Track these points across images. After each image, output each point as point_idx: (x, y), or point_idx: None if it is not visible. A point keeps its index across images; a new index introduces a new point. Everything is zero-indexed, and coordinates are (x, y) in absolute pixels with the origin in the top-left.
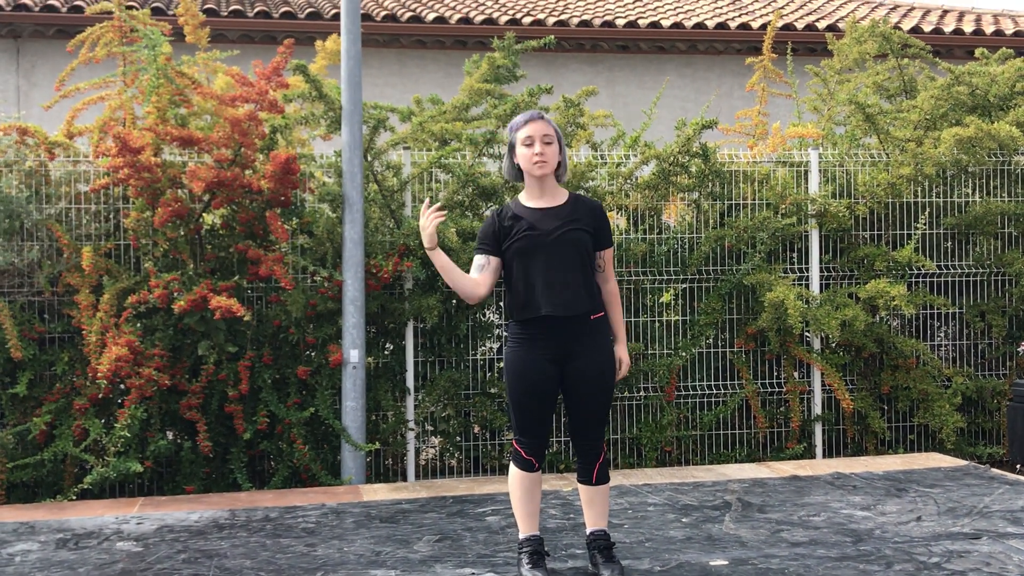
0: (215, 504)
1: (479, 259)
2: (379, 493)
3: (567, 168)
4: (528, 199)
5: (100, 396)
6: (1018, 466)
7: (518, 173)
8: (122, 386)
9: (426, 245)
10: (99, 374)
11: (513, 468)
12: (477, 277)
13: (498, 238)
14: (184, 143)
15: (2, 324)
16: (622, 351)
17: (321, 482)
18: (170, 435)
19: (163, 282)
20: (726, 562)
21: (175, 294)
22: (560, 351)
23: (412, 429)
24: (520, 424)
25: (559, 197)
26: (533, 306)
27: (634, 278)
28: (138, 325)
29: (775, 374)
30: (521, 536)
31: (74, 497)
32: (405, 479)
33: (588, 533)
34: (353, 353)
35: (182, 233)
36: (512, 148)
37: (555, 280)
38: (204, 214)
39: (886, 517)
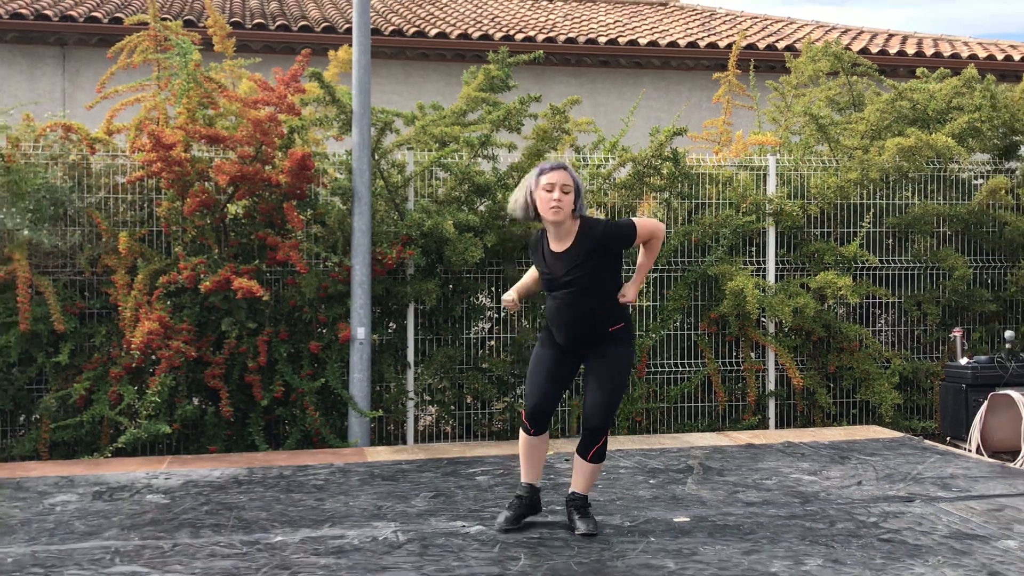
0: (235, 462)
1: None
2: (381, 455)
3: (582, 210)
4: (548, 238)
5: (133, 365)
6: (948, 438)
7: (532, 213)
8: (153, 357)
9: (509, 300)
10: (133, 346)
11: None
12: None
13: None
14: (211, 141)
15: (47, 300)
16: (630, 288)
17: (330, 444)
18: (196, 401)
19: (191, 265)
20: (688, 518)
21: (201, 276)
22: (577, 354)
23: (412, 399)
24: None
25: (570, 238)
26: (554, 326)
27: None
28: (168, 303)
29: (734, 354)
30: (521, 481)
31: (109, 455)
32: (405, 443)
33: (569, 492)
34: (360, 330)
35: (208, 221)
36: (532, 189)
37: (567, 317)
38: (228, 204)
39: (830, 481)
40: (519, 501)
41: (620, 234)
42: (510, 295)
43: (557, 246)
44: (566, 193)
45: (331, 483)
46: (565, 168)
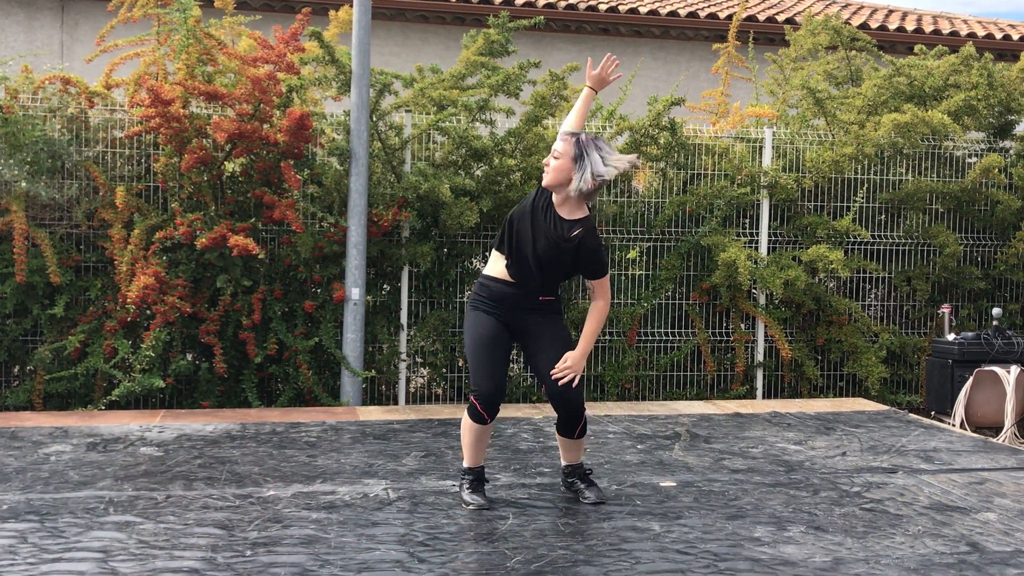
0: (228, 418)
1: None
2: (373, 414)
3: (584, 191)
4: (554, 200)
5: (128, 319)
6: (933, 413)
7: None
8: (148, 311)
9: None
10: (128, 300)
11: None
12: None
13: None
14: (210, 97)
15: (43, 252)
16: (576, 355)
17: (322, 403)
18: (190, 356)
19: (187, 221)
20: (674, 483)
21: (198, 232)
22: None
23: (404, 360)
24: None
25: (569, 213)
26: (497, 287)
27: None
28: (164, 258)
29: (724, 324)
30: (465, 465)
31: (103, 407)
32: (396, 403)
33: (565, 466)
34: (354, 291)
35: (205, 178)
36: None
37: (516, 283)
38: (226, 162)
39: (815, 451)
40: (477, 483)
41: (591, 249)
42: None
43: (561, 211)
44: (555, 158)
45: (323, 440)
46: (569, 138)
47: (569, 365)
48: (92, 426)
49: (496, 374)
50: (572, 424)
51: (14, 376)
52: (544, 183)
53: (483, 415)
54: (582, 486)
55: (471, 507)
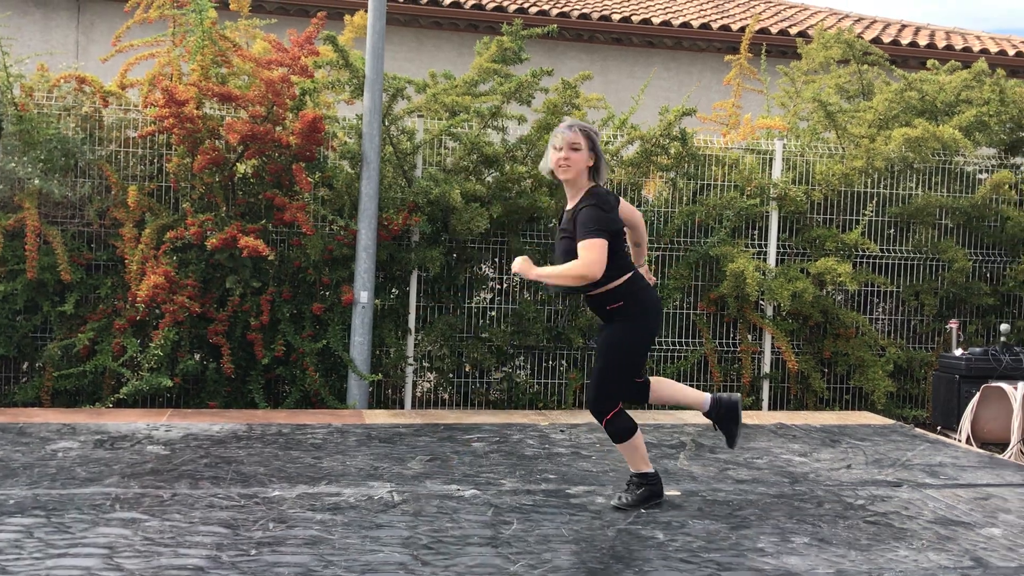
0: (235, 418)
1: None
2: (379, 417)
3: (603, 171)
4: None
5: (138, 318)
6: (939, 428)
7: (549, 172)
8: (157, 311)
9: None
10: (138, 299)
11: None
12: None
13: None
14: (223, 99)
15: (55, 250)
16: (538, 269)
17: (329, 405)
18: (197, 356)
19: (198, 221)
20: (679, 492)
21: (208, 232)
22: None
23: (411, 364)
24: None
25: (575, 200)
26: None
27: None
28: (174, 258)
29: (731, 335)
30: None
31: (111, 405)
32: (403, 407)
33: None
34: (363, 294)
35: (217, 179)
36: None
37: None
38: (238, 163)
39: (820, 463)
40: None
41: (585, 220)
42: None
43: (567, 203)
44: (575, 150)
45: (329, 442)
46: (573, 127)
47: (520, 266)
48: (99, 423)
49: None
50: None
51: (23, 372)
52: (566, 178)
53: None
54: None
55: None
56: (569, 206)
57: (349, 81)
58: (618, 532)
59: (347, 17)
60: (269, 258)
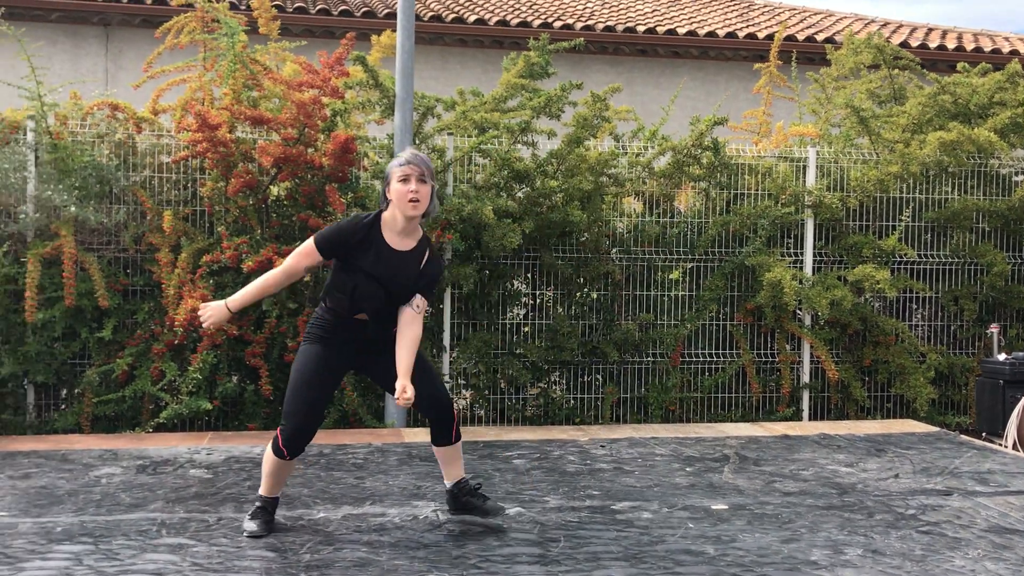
0: None
1: (313, 253)
2: (418, 436)
3: (435, 210)
4: (385, 231)
5: (176, 342)
6: (984, 434)
7: (385, 206)
8: (195, 334)
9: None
10: (176, 323)
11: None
12: (292, 264)
13: (343, 250)
14: (255, 122)
15: (92, 276)
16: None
17: (367, 425)
18: (236, 379)
19: (234, 244)
20: (726, 507)
21: (244, 255)
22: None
23: (447, 382)
24: None
25: (413, 240)
26: (347, 328)
27: (647, 257)
28: (211, 281)
29: (769, 345)
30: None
31: (150, 429)
32: None
33: (452, 485)
34: None
35: (251, 202)
36: (388, 180)
37: (371, 321)
38: (271, 186)
39: (867, 473)
40: (265, 512)
41: (432, 280)
42: (217, 304)
43: (399, 243)
44: (423, 182)
45: (370, 462)
46: (422, 159)
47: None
48: (141, 448)
49: (320, 406)
50: (448, 425)
51: (63, 399)
52: (415, 214)
53: (284, 451)
54: (478, 503)
55: (248, 528)
56: (400, 246)
57: (379, 101)
58: (667, 548)
59: (374, 37)
60: (305, 279)
